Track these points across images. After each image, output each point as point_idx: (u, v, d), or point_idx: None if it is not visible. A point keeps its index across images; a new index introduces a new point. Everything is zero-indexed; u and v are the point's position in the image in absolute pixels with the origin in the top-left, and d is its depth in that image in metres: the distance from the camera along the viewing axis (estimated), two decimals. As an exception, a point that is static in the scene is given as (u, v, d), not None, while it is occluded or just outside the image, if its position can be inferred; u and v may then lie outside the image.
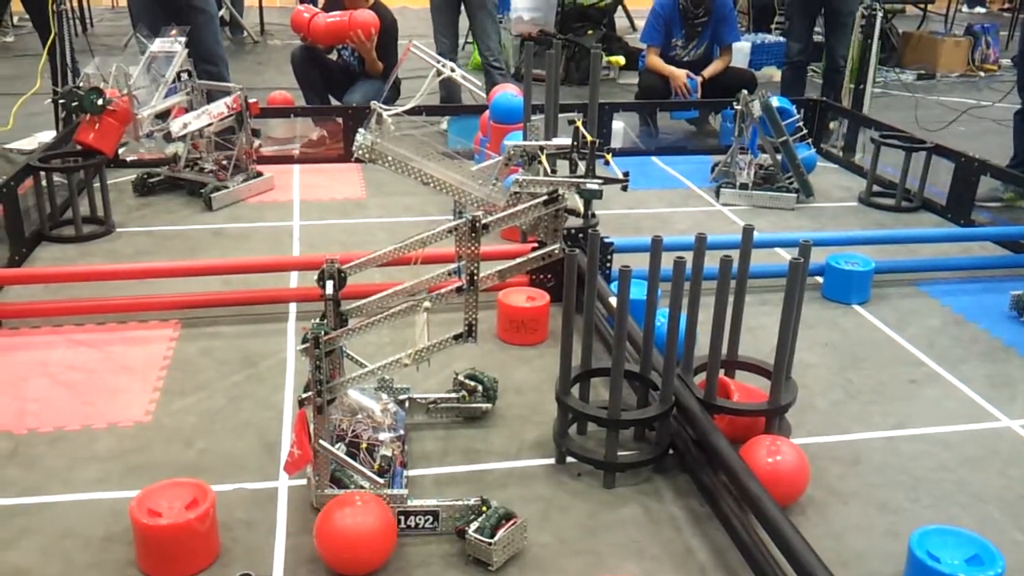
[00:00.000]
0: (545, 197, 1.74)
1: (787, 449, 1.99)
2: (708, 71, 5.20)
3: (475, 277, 1.73)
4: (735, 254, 2.12)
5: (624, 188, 1.95)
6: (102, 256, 3.42)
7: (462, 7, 5.29)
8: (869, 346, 2.83)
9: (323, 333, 1.78)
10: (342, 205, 4.04)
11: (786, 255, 3.43)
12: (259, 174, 4.11)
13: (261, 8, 9.06)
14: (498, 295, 2.82)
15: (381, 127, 1.75)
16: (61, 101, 3.53)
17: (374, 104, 1.75)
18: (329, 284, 1.85)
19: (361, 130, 1.75)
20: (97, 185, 3.66)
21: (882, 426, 2.37)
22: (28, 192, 3.51)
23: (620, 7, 8.36)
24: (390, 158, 1.77)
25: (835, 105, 5.09)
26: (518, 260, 1.74)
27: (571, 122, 2.26)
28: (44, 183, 3.53)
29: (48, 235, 3.52)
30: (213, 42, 4.61)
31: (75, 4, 8.49)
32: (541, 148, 1.96)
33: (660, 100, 5.19)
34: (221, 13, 7.86)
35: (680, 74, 5.14)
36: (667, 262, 2.01)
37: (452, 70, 1.83)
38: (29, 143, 4.66)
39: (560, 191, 1.75)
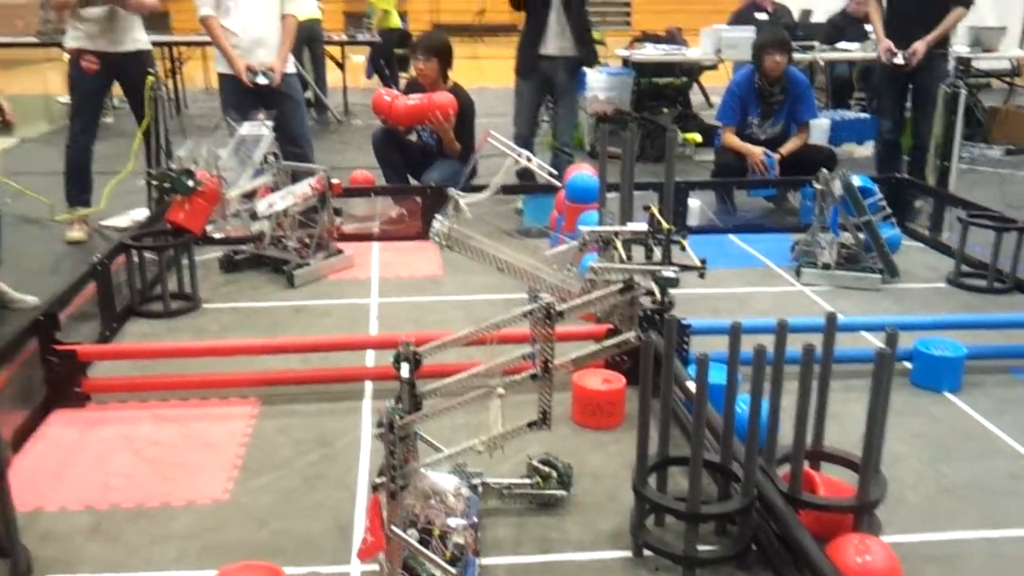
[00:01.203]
0: (620, 285, 1.73)
1: (877, 548, 1.89)
2: (786, 148, 5.17)
3: (549, 364, 1.71)
4: (818, 340, 2.06)
5: (701, 275, 1.92)
6: (188, 332, 3.51)
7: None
8: (963, 436, 2.70)
9: (398, 418, 1.78)
10: (419, 283, 4.09)
11: (872, 339, 3.33)
12: (340, 252, 4.20)
13: (345, 90, 9.39)
14: (573, 377, 2.79)
15: (458, 214, 1.77)
16: (154, 182, 3.68)
17: (452, 192, 1.78)
18: (404, 367, 1.86)
19: (438, 216, 1.78)
20: (185, 262, 3.79)
21: (981, 525, 2.24)
22: (120, 269, 3.64)
23: (696, 84, 8.42)
24: (466, 245, 1.78)
25: (919, 183, 4.98)
26: (593, 349, 1.72)
27: (646, 208, 2.25)
28: (136, 260, 3.67)
29: (138, 310, 3.64)
30: (299, 125, 4.78)
31: (171, 87, 8.95)
32: (616, 234, 1.95)
33: (737, 178, 5.16)
34: (307, 95, 8.18)
35: (757, 151, 5.11)
36: (747, 345, 1.97)
37: (528, 159, 1.85)
38: (123, 220, 4.86)
39: (635, 278, 1.73)
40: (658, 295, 1.95)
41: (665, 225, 2.06)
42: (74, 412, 2.82)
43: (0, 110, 3.53)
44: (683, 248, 2.06)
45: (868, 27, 6.90)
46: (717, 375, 2.42)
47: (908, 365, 3.08)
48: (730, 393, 2.02)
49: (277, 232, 4.19)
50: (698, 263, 1.92)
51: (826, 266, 4.03)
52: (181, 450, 2.61)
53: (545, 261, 1.84)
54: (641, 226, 2.19)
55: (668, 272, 1.82)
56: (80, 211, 4.69)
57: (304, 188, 3.98)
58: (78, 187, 4.67)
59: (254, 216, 3.88)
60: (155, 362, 3.07)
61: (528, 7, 5.08)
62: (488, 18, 20.45)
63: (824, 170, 4.03)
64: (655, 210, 2.17)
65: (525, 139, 5.20)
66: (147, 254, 3.73)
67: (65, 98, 9.44)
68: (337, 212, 4.32)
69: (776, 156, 5.10)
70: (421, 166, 5.06)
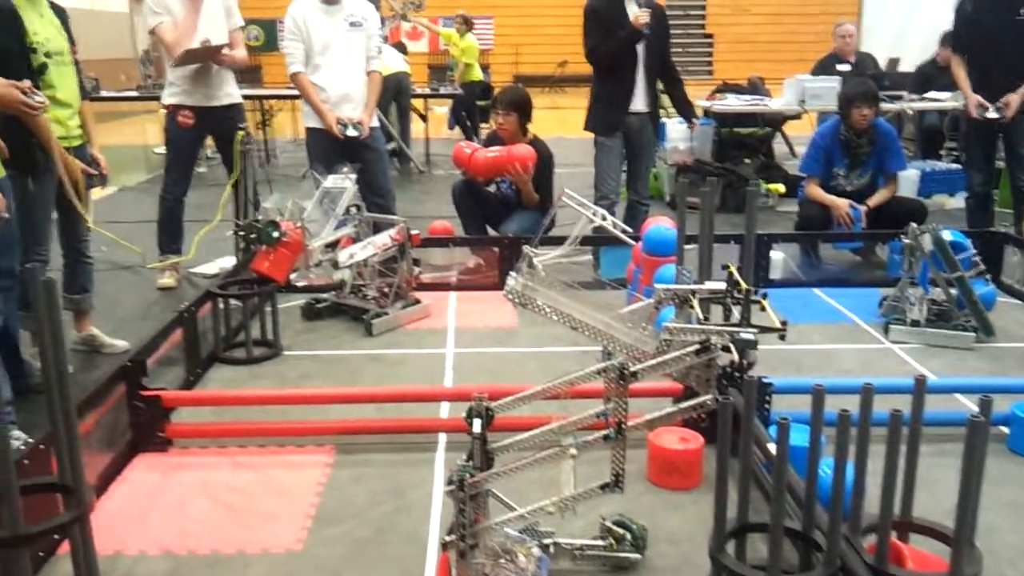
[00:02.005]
0: (697, 346, 1.69)
1: (972, 629, 1.78)
2: (873, 200, 5.04)
3: (623, 425, 1.68)
4: (907, 402, 1.97)
5: (782, 338, 1.86)
6: (269, 378, 3.58)
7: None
8: (1066, 508, 2.54)
9: (468, 476, 1.76)
10: (494, 333, 4.09)
11: (965, 400, 3.18)
12: (417, 301, 4.24)
13: (427, 140, 9.58)
14: (648, 434, 2.74)
15: (532, 271, 1.77)
16: (241, 233, 3.79)
17: (526, 249, 1.78)
18: (477, 422, 1.85)
19: (513, 273, 1.77)
20: (268, 310, 3.87)
21: (1086, 605, 2.10)
22: (206, 315, 3.75)
23: (779, 134, 8.32)
24: (539, 303, 1.77)
25: (1015, 237, 4.79)
26: (669, 410, 1.68)
27: (725, 266, 2.20)
28: (221, 308, 3.77)
29: (221, 357, 3.73)
30: (382, 177, 4.89)
31: (260, 138, 9.27)
32: (693, 292, 1.91)
33: (821, 231, 5.04)
34: (390, 146, 8.36)
35: (842, 204, 5.00)
36: (832, 405, 1.89)
37: (603, 218, 1.84)
38: (211, 268, 5.02)
39: (712, 339, 1.69)
40: (737, 358, 1.90)
41: (744, 285, 2.02)
42: (157, 456, 2.89)
43: (97, 164, 3.69)
44: (763, 309, 2.00)
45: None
46: (799, 437, 2.34)
47: (1005, 430, 2.93)
48: (813, 458, 1.94)
49: (357, 281, 4.26)
50: (779, 325, 1.86)
51: (916, 323, 3.89)
52: (257, 497, 2.64)
53: (620, 319, 1.81)
54: (719, 285, 2.15)
55: (747, 334, 1.77)
56: (171, 259, 4.86)
57: (384, 239, 4.05)
58: (170, 236, 4.85)
59: (335, 266, 3.96)
60: (236, 408, 3.13)
61: (614, 66, 5.00)
62: (569, 69, 20.69)
63: (913, 224, 3.91)
64: (733, 269, 2.12)
65: (613, 200, 5.15)
66: (232, 301, 3.83)
67: (161, 149, 9.89)
68: (416, 262, 4.38)
69: (863, 208, 4.98)
70: (500, 217, 5.10)
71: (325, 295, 4.32)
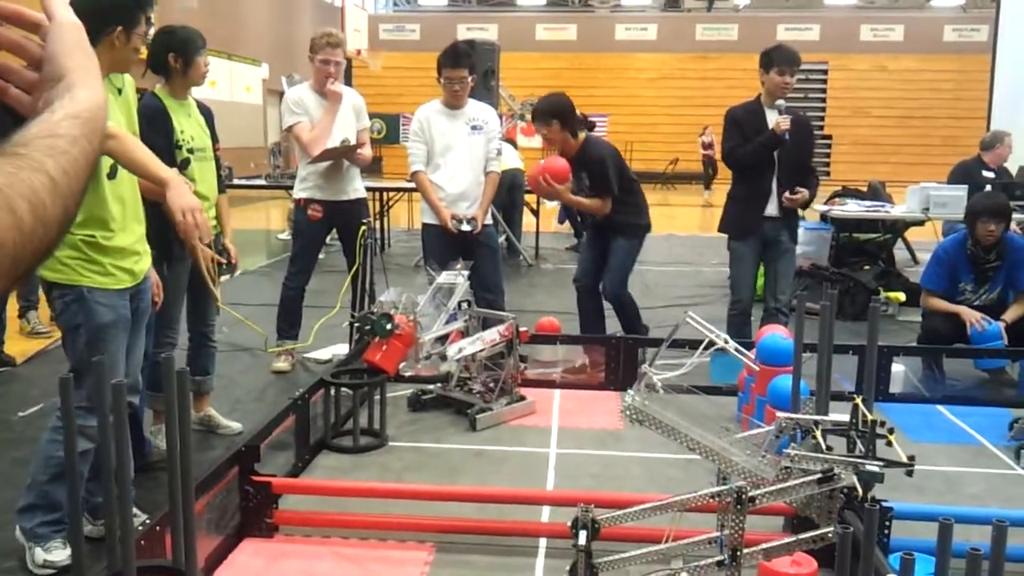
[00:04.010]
0: (819, 475, 1.62)
1: None
2: (1009, 315, 4.79)
3: (738, 553, 1.61)
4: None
5: (909, 474, 1.77)
6: (374, 468, 3.62)
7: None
8: None
9: None
10: (598, 435, 4.04)
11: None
12: (522, 398, 4.24)
13: (537, 234, 9.72)
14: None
15: (649, 390, 1.75)
16: (357, 324, 3.89)
17: (645, 368, 1.77)
18: (582, 534, 1.81)
19: (630, 391, 1.76)
20: (377, 398, 3.94)
21: None
22: (318, 401, 3.84)
23: (900, 240, 8.08)
24: (656, 421, 1.74)
25: None
26: (787, 541, 1.61)
27: (850, 395, 2.12)
28: (332, 395, 3.86)
29: (329, 444, 3.80)
30: (494, 273, 4.96)
31: (378, 227, 9.59)
32: (816, 423, 1.85)
33: (946, 344, 4.82)
34: (501, 240, 8.52)
35: (970, 312, 4.78)
36: (958, 534, 1.77)
37: (726, 341, 1.82)
38: (324, 354, 5.16)
39: (836, 470, 1.62)
40: (860, 491, 1.81)
41: (870, 417, 1.93)
42: (263, 543, 2.94)
43: (227, 254, 3.88)
44: (890, 443, 1.91)
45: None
46: (923, 570, 2.20)
47: None
48: (939, 597, 1.82)
49: (463, 375, 4.29)
50: (905, 459, 1.77)
51: None
52: (356, 592, 2.64)
53: (738, 443, 1.76)
54: (843, 416, 2.06)
55: (872, 467, 1.69)
56: (288, 344, 5.03)
57: (493, 335, 4.10)
58: (288, 322, 5.02)
59: (444, 359, 4.01)
60: (341, 498, 3.17)
61: (750, 167, 4.91)
62: (680, 167, 20.80)
63: None
64: (859, 401, 2.04)
65: (747, 305, 5.02)
66: (343, 390, 3.91)
67: (284, 234, 10.35)
68: (523, 359, 4.39)
69: (1002, 324, 4.74)
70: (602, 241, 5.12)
71: (431, 387, 4.37)
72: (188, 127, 3.70)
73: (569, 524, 1.84)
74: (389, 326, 3.79)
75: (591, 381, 4.77)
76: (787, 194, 4.84)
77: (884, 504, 2.68)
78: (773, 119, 4.82)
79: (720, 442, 1.73)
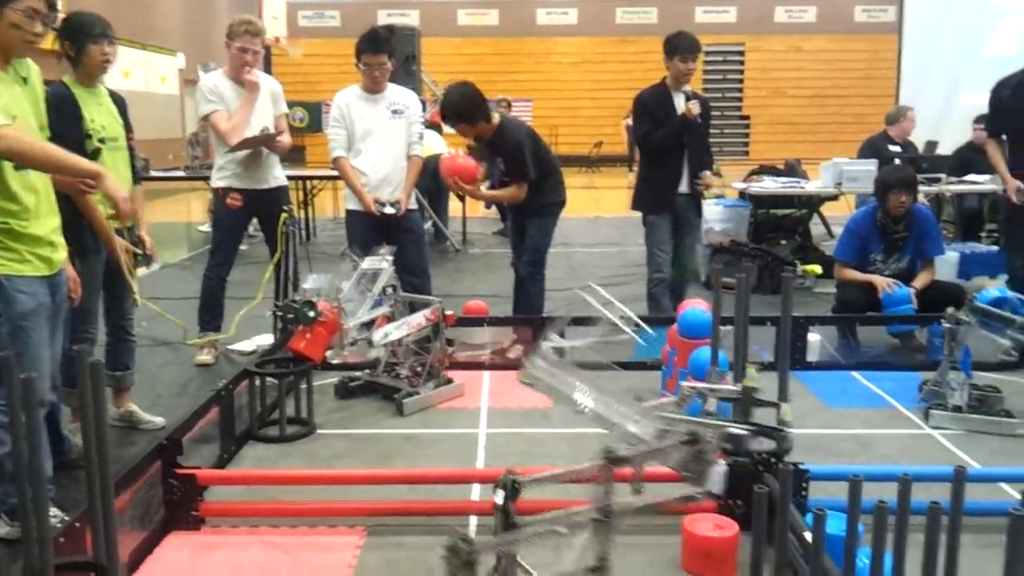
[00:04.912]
0: (686, 438, 1.69)
1: None
2: (918, 282, 5.00)
3: (609, 511, 1.68)
4: (948, 491, 1.93)
5: (778, 456, 1.83)
6: (302, 457, 3.59)
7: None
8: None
9: (461, 542, 1.76)
10: (528, 414, 4.08)
11: (1011, 489, 3.09)
12: (450, 381, 4.25)
13: (464, 219, 9.71)
14: (683, 522, 2.70)
15: (545, 356, 1.79)
16: (279, 313, 3.85)
17: (542, 345, 1.81)
18: (500, 493, 1.84)
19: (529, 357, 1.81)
20: (304, 387, 3.91)
21: None
22: (242, 393, 3.79)
23: (816, 215, 8.32)
24: (546, 385, 1.79)
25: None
26: (658, 500, 1.68)
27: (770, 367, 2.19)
28: (257, 386, 3.81)
29: (255, 435, 3.76)
30: (419, 258, 4.95)
31: (302, 217, 9.47)
32: (711, 391, 1.91)
33: (859, 313, 4.99)
34: (427, 225, 8.50)
35: (881, 278, 4.98)
36: (870, 492, 1.86)
37: (621, 316, 1.88)
38: (248, 345, 5.09)
39: (701, 432, 1.69)
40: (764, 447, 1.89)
41: (749, 384, 1.99)
42: (189, 535, 2.90)
43: (143, 245, 3.80)
44: (776, 408, 1.99)
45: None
46: (836, 526, 2.29)
47: (1052, 522, 2.83)
48: (850, 548, 1.91)
49: (391, 360, 4.29)
50: (777, 425, 1.85)
51: (957, 408, 3.81)
52: (287, 579, 2.63)
53: (639, 411, 1.81)
54: (734, 387, 2.13)
55: (738, 430, 1.77)
56: (210, 336, 4.94)
57: (419, 319, 4.10)
58: (210, 314, 4.93)
59: (371, 345, 4.00)
60: (269, 487, 3.14)
61: (663, 150, 5.16)
62: (605, 150, 21.00)
63: (950, 309, 3.87)
64: (752, 371, 2.11)
65: (664, 276, 5.20)
66: (268, 380, 3.87)
67: (205, 227, 10.13)
68: (449, 342, 4.40)
69: (911, 290, 4.93)
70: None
71: (359, 373, 4.35)
72: (99, 116, 3.60)
73: (493, 487, 1.88)
74: (312, 314, 3.77)
75: (519, 361, 4.80)
76: (700, 181, 5.20)
77: (799, 467, 2.80)
78: (680, 102, 5.10)
79: (604, 407, 1.78)
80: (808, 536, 2.21)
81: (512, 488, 1.80)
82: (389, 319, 4.14)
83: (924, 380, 4.15)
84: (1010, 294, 3.93)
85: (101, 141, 3.56)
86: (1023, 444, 3.65)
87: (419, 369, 4.21)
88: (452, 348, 4.54)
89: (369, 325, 4.04)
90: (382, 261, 4.15)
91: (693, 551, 2.64)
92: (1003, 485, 3.14)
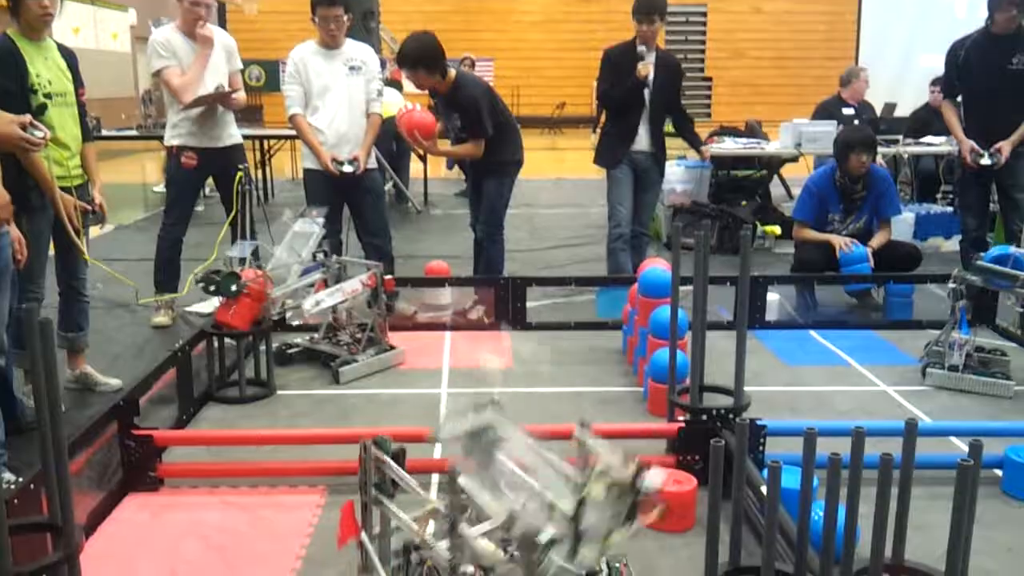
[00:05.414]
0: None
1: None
2: (875, 242, 5.06)
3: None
4: (900, 445, 1.97)
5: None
6: (262, 418, 3.57)
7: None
8: (1061, 554, 2.53)
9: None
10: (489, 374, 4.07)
11: (961, 444, 3.17)
12: (391, 347, 4.19)
13: (426, 180, 9.64)
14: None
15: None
16: (200, 284, 3.75)
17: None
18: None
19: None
20: (263, 349, 3.87)
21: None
22: (200, 354, 3.74)
23: (776, 176, 8.37)
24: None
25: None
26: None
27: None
28: (215, 347, 3.77)
29: (214, 396, 3.73)
30: (379, 218, 4.89)
31: (259, 177, 9.32)
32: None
33: (818, 273, 5.06)
34: (388, 187, 8.41)
35: (838, 238, 5.04)
36: (825, 447, 1.89)
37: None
38: (205, 307, 5.01)
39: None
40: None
41: None
42: (148, 496, 2.88)
43: (94, 203, 3.71)
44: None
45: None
46: (792, 479, 2.33)
47: (999, 473, 2.92)
48: (804, 501, 1.94)
49: (333, 325, 4.23)
50: None
51: (954, 368, 3.84)
52: (247, 539, 2.62)
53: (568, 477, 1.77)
54: None
55: None
56: (164, 296, 4.86)
57: (355, 284, 4.01)
58: (166, 275, 4.85)
59: (301, 312, 3.92)
60: (228, 448, 3.12)
61: (621, 109, 5.17)
62: (567, 111, 20.89)
63: (956, 270, 3.89)
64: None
65: (625, 231, 5.21)
66: (227, 340, 3.82)
67: (160, 187, 9.93)
68: (389, 308, 4.34)
69: (869, 249, 4.99)
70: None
71: (298, 339, 4.25)
72: (45, 70, 3.49)
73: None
74: (234, 287, 3.66)
75: (481, 321, 4.81)
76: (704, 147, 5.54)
77: (756, 422, 2.84)
78: (650, 61, 5.07)
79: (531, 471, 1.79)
80: (764, 489, 2.25)
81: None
82: (327, 285, 4.06)
83: (929, 341, 4.11)
84: (1012, 249, 3.92)
85: (47, 96, 3.46)
86: (976, 400, 3.73)
87: (359, 335, 4.15)
88: (391, 313, 4.44)
89: (312, 288, 3.96)
90: (312, 224, 4.06)
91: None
92: (953, 439, 3.22)
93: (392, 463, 2.07)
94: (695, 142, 5.57)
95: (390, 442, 2.14)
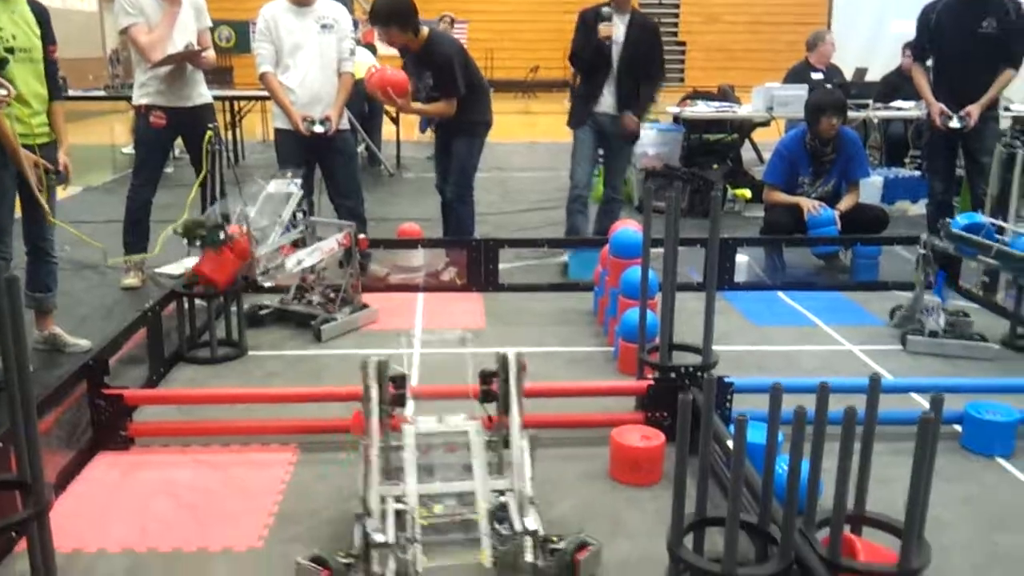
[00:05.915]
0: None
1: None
2: (843, 205, 5.11)
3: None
4: (864, 401, 2.02)
5: None
6: (234, 378, 3.57)
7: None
8: (1016, 504, 2.61)
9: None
10: (461, 335, 4.10)
11: (923, 401, 3.24)
12: (365, 306, 4.20)
13: (398, 143, 9.57)
14: (612, 432, 2.77)
15: None
16: (180, 233, 3.69)
17: None
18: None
19: None
20: (234, 310, 3.85)
21: (1035, 599, 2.15)
22: (171, 315, 3.72)
23: (747, 140, 8.41)
24: None
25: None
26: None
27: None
28: (186, 307, 3.75)
29: (185, 356, 3.71)
30: (351, 179, 4.85)
31: (230, 138, 9.21)
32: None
33: (788, 235, 5.10)
34: (360, 149, 8.34)
35: (807, 200, 5.09)
36: (791, 403, 1.93)
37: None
38: (176, 268, 4.96)
39: None
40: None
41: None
42: (118, 455, 2.87)
43: (59, 166, 3.65)
44: None
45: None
46: (758, 434, 2.37)
47: (959, 429, 2.99)
48: (769, 454, 1.99)
49: (302, 285, 4.22)
50: None
51: (934, 334, 3.87)
52: (219, 496, 2.64)
53: None
54: None
55: None
56: (134, 257, 4.81)
57: (331, 244, 4.01)
58: (135, 236, 4.79)
59: (283, 272, 3.90)
60: (199, 407, 3.12)
61: (588, 69, 5.19)
62: (541, 75, 20.76)
63: (923, 235, 3.94)
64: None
65: (582, 192, 5.25)
66: (197, 301, 3.80)
67: (128, 148, 9.79)
68: (363, 268, 4.33)
69: (836, 212, 5.04)
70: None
71: (268, 301, 4.24)
72: (11, 25, 3.42)
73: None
74: (222, 235, 3.61)
75: (454, 283, 4.81)
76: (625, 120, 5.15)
77: (724, 379, 2.89)
78: (624, 24, 5.05)
79: None
80: (730, 443, 2.29)
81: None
82: (299, 245, 4.04)
83: (897, 306, 4.22)
84: (982, 218, 3.95)
85: (9, 51, 3.39)
86: (937, 359, 3.80)
87: (332, 295, 4.15)
88: (364, 273, 4.44)
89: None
90: (290, 184, 4.03)
91: (621, 461, 2.72)
92: (914, 395, 3.29)
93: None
94: (631, 105, 5.17)
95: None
